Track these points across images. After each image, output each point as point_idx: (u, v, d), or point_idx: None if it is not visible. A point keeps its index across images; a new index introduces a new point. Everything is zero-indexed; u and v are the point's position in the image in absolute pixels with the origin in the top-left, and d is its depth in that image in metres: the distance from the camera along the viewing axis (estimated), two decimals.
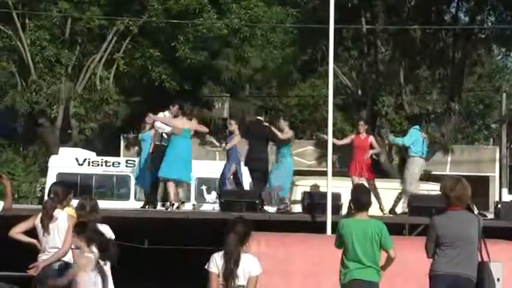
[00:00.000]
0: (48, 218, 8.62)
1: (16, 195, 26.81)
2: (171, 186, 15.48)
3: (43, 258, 8.67)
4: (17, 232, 8.85)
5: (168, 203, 15.56)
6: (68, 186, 9.47)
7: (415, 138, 16.15)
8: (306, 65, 35.64)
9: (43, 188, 25.96)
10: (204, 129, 16.51)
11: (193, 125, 15.91)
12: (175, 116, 15.67)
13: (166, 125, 15.74)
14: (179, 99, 18.03)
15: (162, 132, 15.97)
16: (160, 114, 16.14)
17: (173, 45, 28.85)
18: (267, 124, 16.22)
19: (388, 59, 31.45)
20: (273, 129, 15.91)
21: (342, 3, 25.55)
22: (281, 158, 16.13)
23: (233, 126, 17.02)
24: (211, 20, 28.15)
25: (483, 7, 29.76)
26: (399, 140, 16.58)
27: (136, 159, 19.05)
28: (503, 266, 10.61)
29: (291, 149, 16.54)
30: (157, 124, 15.89)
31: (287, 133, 16.06)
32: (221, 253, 6.94)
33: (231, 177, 16.83)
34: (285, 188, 16.15)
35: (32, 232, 8.86)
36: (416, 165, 16.13)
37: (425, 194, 16.97)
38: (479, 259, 7.72)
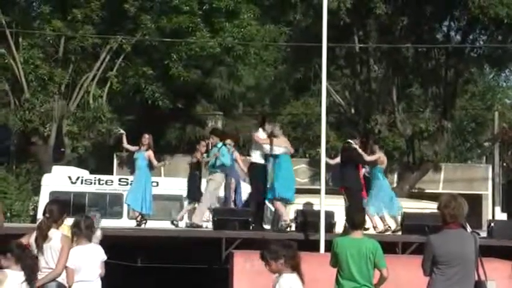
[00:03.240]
0: (42, 237, 8.57)
1: (9, 214, 26.73)
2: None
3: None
4: None
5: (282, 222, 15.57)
6: (64, 205, 9.41)
7: None
8: (299, 83, 35.74)
9: (36, 207, 25.88)
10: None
11: None
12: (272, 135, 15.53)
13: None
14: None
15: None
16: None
17: (166, 64, 28.91)
18: (355, 147, 16.07)
19: (381, 78, 31.52)
20: (360, 151, 15.91)
21: (334, 22, 25.66)
22: (374, 180, 16.16)
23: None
24: (204, 38, 28.21)
25: (475, 26, 29.90)
26: (225, 160, 16.52)
27: (130, 178, 19.00)
28: (496, 284, 10.61)
29: (382, 170, 16.38)
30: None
31: (374, 156, 16.12)
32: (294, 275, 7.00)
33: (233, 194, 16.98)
34: (388, 207, 16.13)
35: None
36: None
37: (418, 213, 16.98)
38: (476, 278, 7.71)
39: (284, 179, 15.25)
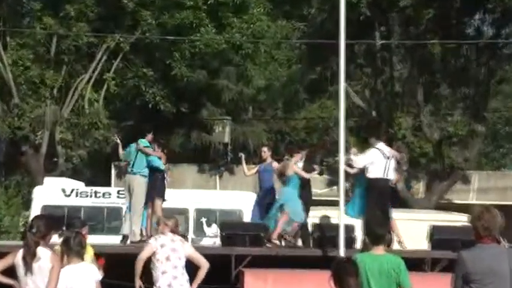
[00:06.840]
0: (30, 256, 8.53)
1: None
2: None
3: None
4: None
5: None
6: (52, 220, 9.38)
7: None
8: (315, 84, 35.67)
9: (27, 222, 25.93)
10: None
11: None
12: None
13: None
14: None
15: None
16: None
17: (168, 64, 28.95)
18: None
19: (405, 77, 31.49)
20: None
21: (353, 16, 25.65)
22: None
23: (266, 153, 17.14)
24: (209, 35, 28.24)
25: (509, 19, 29.83)
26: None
27: None
28: None
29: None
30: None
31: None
32: None
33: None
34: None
35: (9, 271, 8.76)
36: None
37: (448, 226, 16.92)
38: None
39: None
